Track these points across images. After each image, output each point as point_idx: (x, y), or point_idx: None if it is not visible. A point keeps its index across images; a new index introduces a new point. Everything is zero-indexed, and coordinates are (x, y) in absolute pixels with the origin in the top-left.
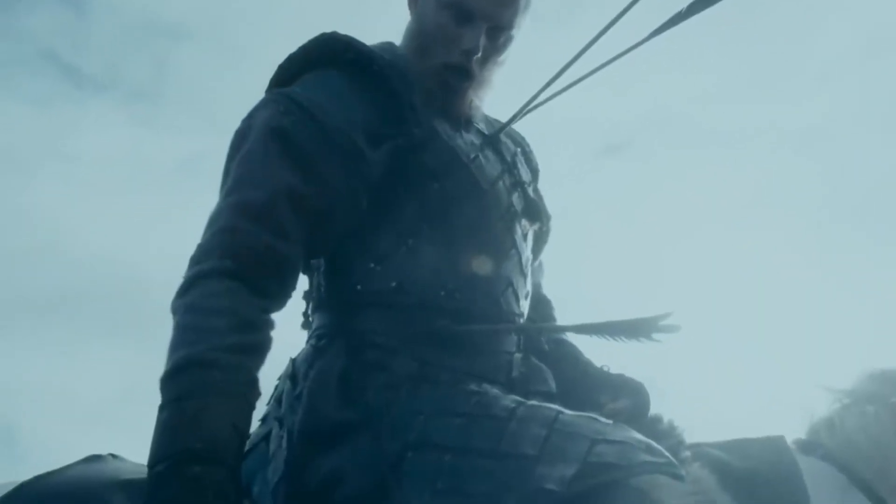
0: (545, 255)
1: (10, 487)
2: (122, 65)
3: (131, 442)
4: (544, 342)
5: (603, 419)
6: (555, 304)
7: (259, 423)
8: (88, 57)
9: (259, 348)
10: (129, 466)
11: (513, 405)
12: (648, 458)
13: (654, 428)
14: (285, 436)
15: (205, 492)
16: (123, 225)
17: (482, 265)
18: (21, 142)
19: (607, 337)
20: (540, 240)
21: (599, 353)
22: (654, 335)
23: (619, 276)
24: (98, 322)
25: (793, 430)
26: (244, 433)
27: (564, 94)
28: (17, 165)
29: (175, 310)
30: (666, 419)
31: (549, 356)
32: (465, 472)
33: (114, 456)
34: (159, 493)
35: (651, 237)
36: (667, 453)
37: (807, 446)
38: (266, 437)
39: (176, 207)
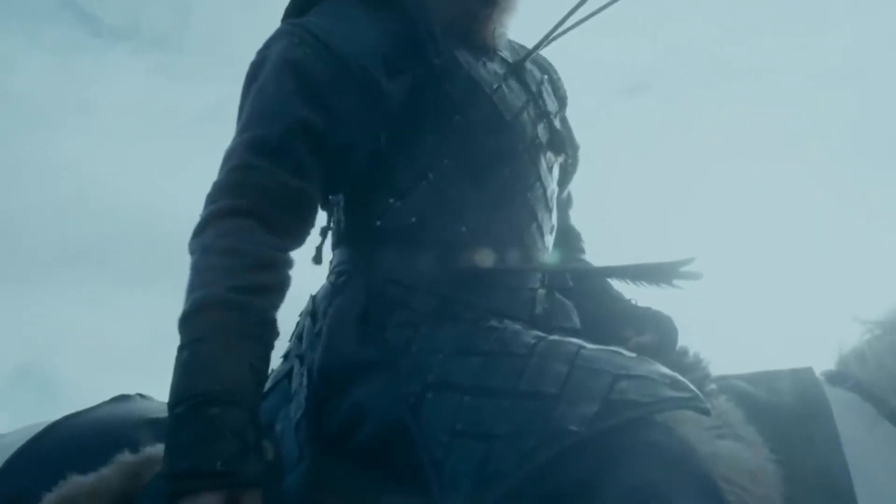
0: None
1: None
2: (141, 13)
3: (162, 385)
4: (569, 277)
5: (627, 353)
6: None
7: (281, 359)
8: (108, 5)
9: (276, 288)
10: (156, 405)
11: (533, 341)
12: (673, 393)
13: (679, 361)
14: (306, 373)
15: (223, 433)
16: (148, 174)
17: (506, 199)
18: (42, 92)
19: (628, 281)
20: (567, 171)
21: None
22: (676, 282)
23: (644, 217)
24: (128, 270)
25: (822, 362)
26: (262, 374)
27: (586, 34)
28: (39, 117)
29: (192, 250)
30: (692, 352)
31: (573, 291)
32: (484, 413)
33: (141, 395)
34: (179, 434)
35: (676, 176)
36: (692, 387)
37: (836, 377)
38: (288, 375)
39: (199, 155)
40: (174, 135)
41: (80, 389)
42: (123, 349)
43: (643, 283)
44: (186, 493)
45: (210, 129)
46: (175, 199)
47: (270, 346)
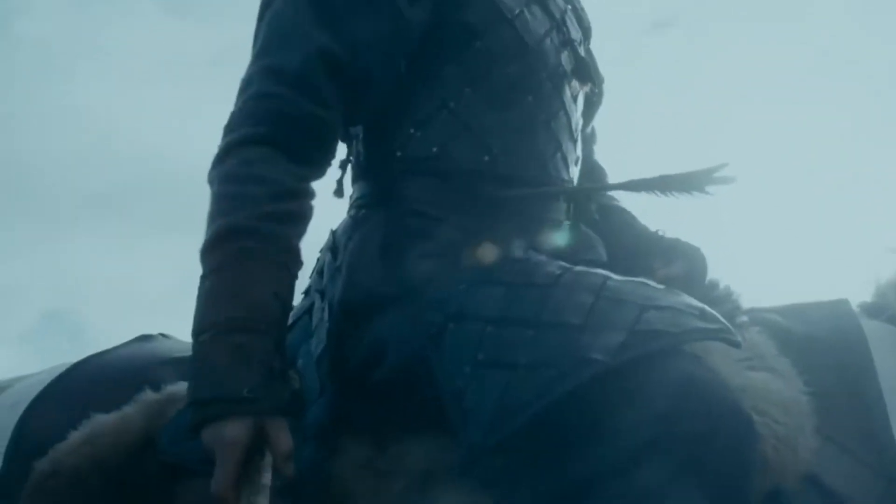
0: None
1: None
2: None
3: (187, 328)
4: (594, 210)
5: (654, 284)
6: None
7: (302, 295)
8: None
9: (298, 217)
10: (179, 345)
11: (558, 272)
12: (701, 324)
13: (708, 294)
14: (327, 308)
15: (249, 360)
16: (167, 117)
17: (528, 128)
18: (56, 37)
19: (658, 193)
20: (592, 104)
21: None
22: (708, 188)
23: (670, 155)
24: (151, 215)
25: (858, 294)
26: (287, 303)
27: None
28: (55, 62)
29: (211, 180)
30: (722, 284)
31: (599, 224)
32: (506, 343)
33: (164, 335)
34: (203, 362)
35: (704, 114)
36: (721, 318)
37: (872, 309)
38: (309, 310)
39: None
40: (191, 77)
41: (107, 334)
42: (149, 294)
43: (673, 193)
44: (211, 421)
45: (226, 71)
46: (194, 143)
47: (295, 276)
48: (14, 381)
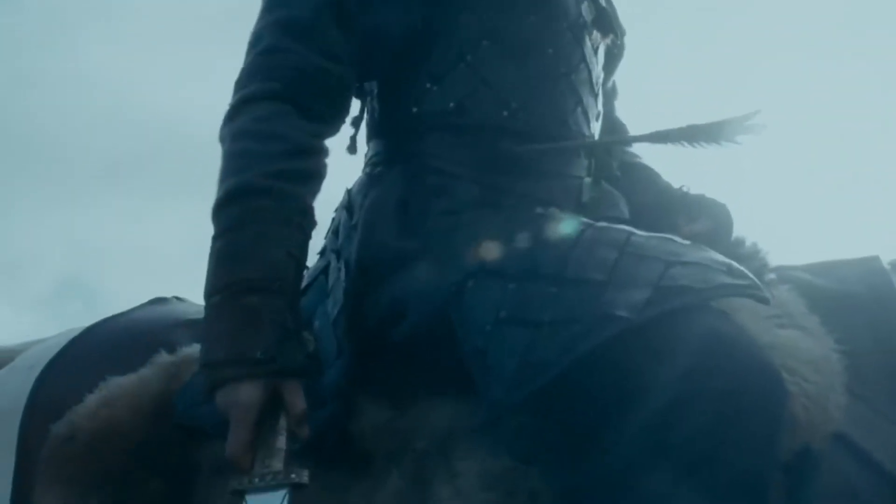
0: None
1: None
2: None
3: (202, 292)
4: (616, 167)
5: (679, 240)
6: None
7: (317, 256)
8: None
9: (312, 175)
10: (193, 307)
11: (581, 227)
12: (729, 279)
13: (735, 251)
14: (343, 267)
15: (262, 321)
16: (178, 80)
17: (548, 82)
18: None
19: (685, 143)
20: (613, 57)
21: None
22: (739, 137)
23: (692, 114)
24: (166, 180)
25: (889, 251)
26: (300, 262)
27: None
28: (63, 25)
29: (222, 138)
30: (748, 241)
31: (621, 181)
32: (528, 301)
33: (178, 298)
34: (216, 324)
35: (728, 69)
36: (749, 274)
37: None
38: (324, 271)
39: (229, 57)
40: (203, 38)
41: (122, 299)
42: (164, 259)
43: (701, 144)
44: (226, 383)
45: (240, 30)
46: (208, 106)
47: (308, 236)
48: (30, 345)
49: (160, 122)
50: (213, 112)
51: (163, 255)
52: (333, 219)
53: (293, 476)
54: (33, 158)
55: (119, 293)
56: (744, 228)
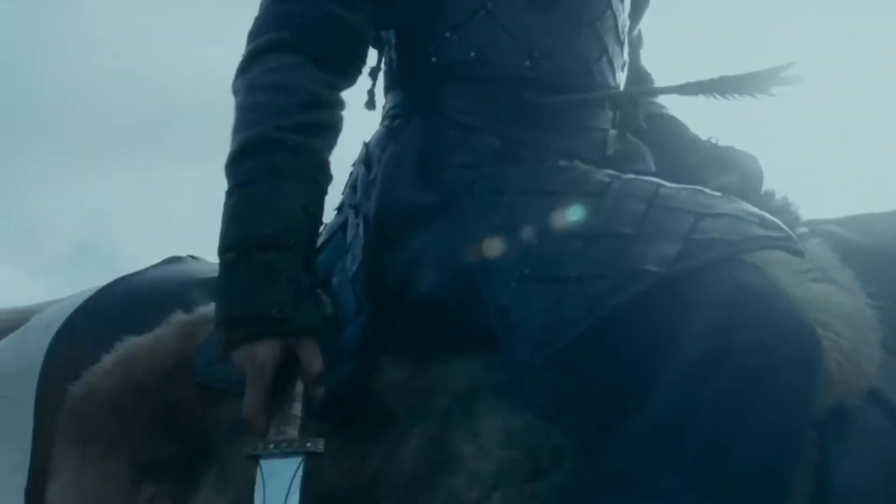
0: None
1: None
2: None
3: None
4: (642, 118)
5: (710, 192)
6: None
7: (335, 212)
8: None
9: (328, 127)
10: (208, 266)
11: (607, 180)
12: (762, 231)
13: (765, 204)
14: (361, 223)
15: (278, 278)
16: (191, 43)
17: (572, 30)
18: None
19: (716, 95)
20: (639, 4)
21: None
22: (774, 89)
23: (721, 65)
24: (181, 143)
25: None
26: (317, 218)
27: None
28: None
29: (236, 90)
30: (779, 194)
31: (647, 133)
32: (554, 256)
33: (193, 257)
34: (230, 281)
35: (758, 19)
36: (783, 226)
37: None
38: (342, 227)
39: (244, 18)
40: None
41: (138, 264)
42: (180, 222)
43: (734, 95)
44: (241, 342)
45: None
46: (222, 66)
47: (324, 191)
48: (45, 306)
49: (174, 83)
50: (229, 72)
51: (179, 219)
52: (351, 173)
53: (308, 445)
54: (47, 123)
55: (135, 257)
56: (774, 181)
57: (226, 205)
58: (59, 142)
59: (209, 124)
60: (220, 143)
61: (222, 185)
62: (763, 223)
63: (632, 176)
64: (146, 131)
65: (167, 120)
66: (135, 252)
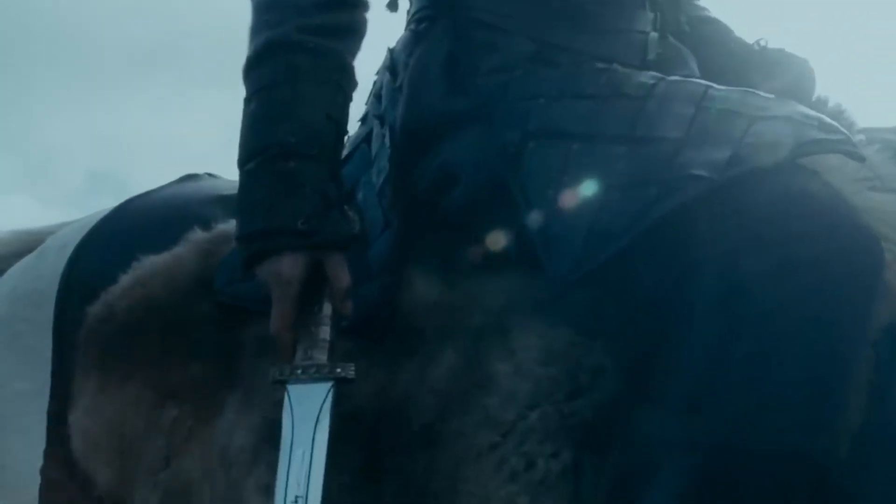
0: None
1: None
2: None
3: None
4: (684, 21)
5: (762, 94)
6: None
7: (358, 123)
8: None
9: (350, 30)
10: (226, 183)
11: (651, 82)
12: (821, 134)
13: (818, 111)
14: (388, 133)
15: (302, 188)
16: None
17: None
18: None
19: None
20: None
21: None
22: None
23: None
24: (199, 69)
25: None
26: (341, 126)
27: None
28: None
29: None
30: (832, 101)
31: (689, 37)
32: (596, 162)
33: (210, 175)
34: (252, 192)
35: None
36: (843, 129)
37: None
38: (367, 138)
39: None
40: None
41: None
42: (197, 152)
43: None
44: (265, 256)
45: None
46: None
47: (349, 97)
48: (59, 228)
49: (192, 8)
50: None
51: (198, 146)
52: (375, 82)
53: (339, 370)
54: (60, 50)
55: (151, 186)
56: (826, 87)
57: (245, 112)
58: (73, 69)
59: (230, 49)
60: (240, 70)
61: (240, 110)
62: (822, 126)
63: (677, 78)
64: (164, 57)
65: (185, 46)
66: (151, 181)
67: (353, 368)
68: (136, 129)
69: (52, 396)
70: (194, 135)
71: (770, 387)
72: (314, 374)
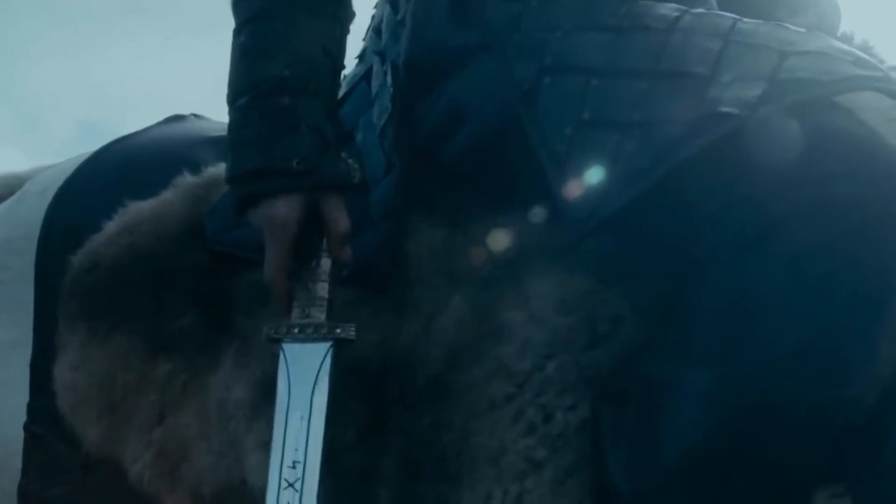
0: None
1: None
2: None
3: None
4: None
5: (794, 27)
6: None
7: (356, 61)
8: None
9: None
10: (215, 125)
11: (675, 14)
12: (858, 70)
13: None
14: (389, 70)
15: (298, 125)
16: None
17: None
18: None
19: None
20: None
21: None
22: None
23: None
24: (190, 15)
25: None
26: (338, 60)
27: None
28: None
29: None
30: (858, 37)
31: None
32: (616, 98)
33: (197, 116)
34: (244, 130)
35: None
36: (880, 66)
37: None
38: (366, 76)
39: None
40: None
41: None
42: (189, 100)
43: None
44: (258, 199)
45: None
46: None
47: (346, 29)
48: (40, 171)
49: None
50: None
51: (191, 93)
52: (373, 16)
53: (338, 331)
54: None
55: None
56: (852, 24)
57: (234, 44)
58: (62, 15)
59: None
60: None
61: None
62: (857, 62)
63: (703, 10)
64: (158, 1)
65: None
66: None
67: (353, 329)
68: (129, 76)
69: (35, 348)
70: (188, 82)
71: (799, 335)
72: (311, 334)
